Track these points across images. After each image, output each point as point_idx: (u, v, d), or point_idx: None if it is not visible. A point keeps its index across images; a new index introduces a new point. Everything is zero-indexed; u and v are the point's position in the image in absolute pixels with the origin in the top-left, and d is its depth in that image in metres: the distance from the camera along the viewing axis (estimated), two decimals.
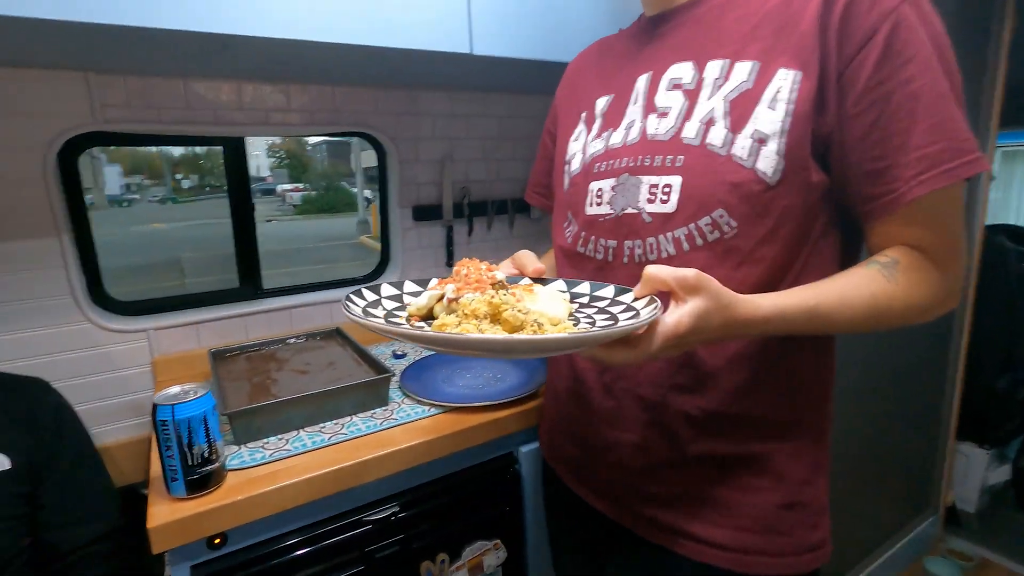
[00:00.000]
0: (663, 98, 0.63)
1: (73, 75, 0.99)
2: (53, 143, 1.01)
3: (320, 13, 0.81)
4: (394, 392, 1.04)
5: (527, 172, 0.90)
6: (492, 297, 0.50)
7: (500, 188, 1.54)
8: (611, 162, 0.66)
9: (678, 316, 0.47)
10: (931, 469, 2.11)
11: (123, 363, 1.15)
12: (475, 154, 1.47)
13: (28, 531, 0.83)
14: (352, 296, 0.56)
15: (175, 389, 0.76)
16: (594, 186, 0.68)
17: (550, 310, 0.53)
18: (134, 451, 1.16)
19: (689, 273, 0.48)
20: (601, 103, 0.72)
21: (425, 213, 1.43)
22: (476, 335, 0.43)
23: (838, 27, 0.52)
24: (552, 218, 0.81)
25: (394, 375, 1.03)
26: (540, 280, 0.65)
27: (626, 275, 0.63)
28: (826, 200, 0.57)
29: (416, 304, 0.56)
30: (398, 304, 0.60)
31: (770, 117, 0.54)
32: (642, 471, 0.65)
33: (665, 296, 0.51)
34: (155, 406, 0.72)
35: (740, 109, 0.56)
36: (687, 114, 0.60)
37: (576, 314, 0.58)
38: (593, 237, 0.67)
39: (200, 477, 0.74)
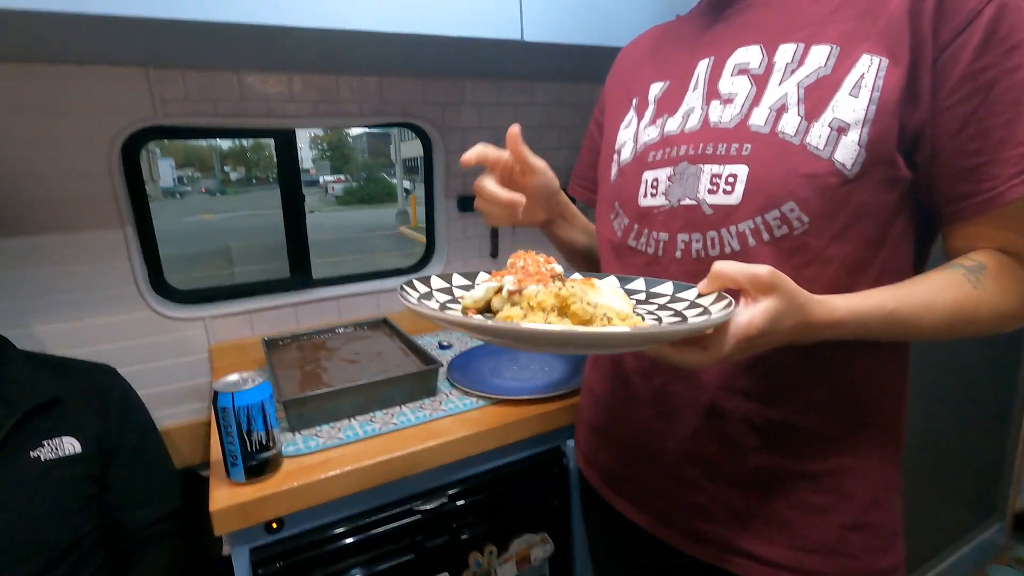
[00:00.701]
0: (727, 84, 0.59)
1: (135, 71, 1.03)
2: (117, 137, 1.04)
3: (371, 3, 0.81)
4: (442, 383, 1.05)
5: (572, 161, 0.86)
6: (559, 289, 0.48)
7: None
8: (668, 150, 0.61)
9: (750, 316, 0.44)
10: (999, 473, 1.99)
11: (182, 350, 1.19)
12: None
13: (98, 511, 0.87)
14: (405, 287, 0.54)
15: (234, 377, 0.78)
16: (648, 176, 0.63)
17: (615, 304, 0.51)
18: (192, 434, 1.21)
19: (762, 270, 0.44)
20: (655, 89, 0.68)
21: (470, 204, 1.42)
22: (560, 328, 0.40)
23: (934, 10, 0.47)
24: (596, 209, 0.76)
25: (442, 366, 1.03)
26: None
27: (679, 271, 0.59)
28: (908, 199, 0.53)
29: (472, 297, 0.54)
30: (449, 297, 0.58)
31: (852, 104, 0.50)
32: (694, 482, 0.61)
33: (733, 294, 0.48)
34: (216, 393, 0.74)
35: (817, 96, 0.52)
36: (755, 100, 0.55)
37: (636, 311, 0.55)
38: (646, 230, 0.63)
39: (258, 463, 0.76)
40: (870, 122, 0.49)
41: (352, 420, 0.92)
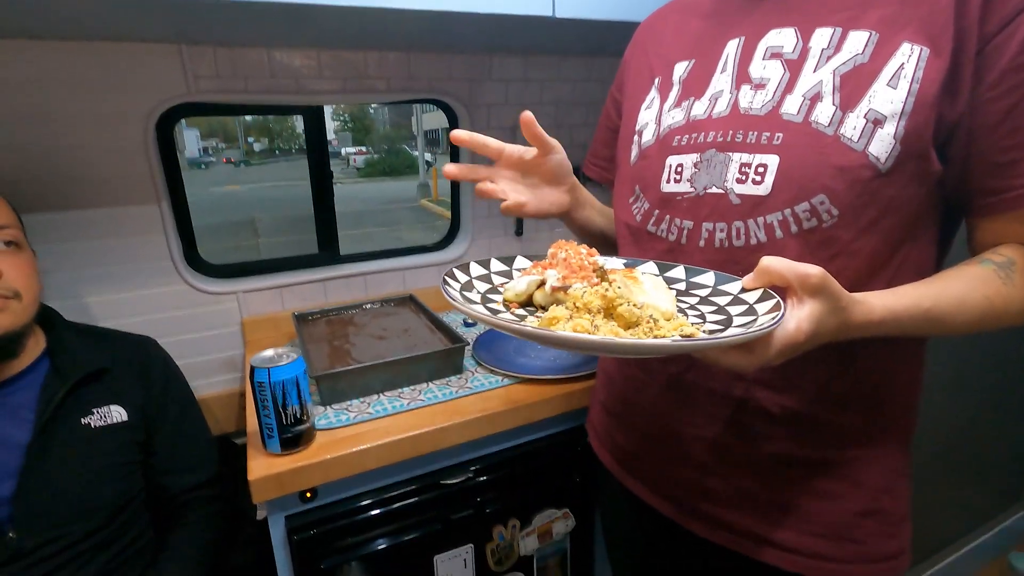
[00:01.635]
0: (759, 68, 0.57)
1: (168, 47, 1.03)
2: (152, 113, 1.06)
3: None
4: (468, 361, 1.06)
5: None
6: (606, 290, 0.48)
7: (572, 155, 1.47)
8: (694, 135, 0.60)
9: (797, 322, 0.44)
10: None
11: (216, 323, 1.23)
12: (547, 120, 1.44)
13: (143, 475, 0.92)
14: (447, 280, 0.54)
15: (269, 352, 0.80)
16: (672, 161, 0.62)
17: (660, 303, 0.50)
18: (227, 403, 1.26)
19: (813, 271, 0.43)
20: (680, 68, 0.65)
21: None
22: (614, 340, 0.40)
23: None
24: (614, 191, 0.75)
25: (468, 344, 1.05)
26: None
27: (701, 259, 0.58)
28: (936, 192, 0.52)
29: (514, 290, 0.54)
30: (489, 286, 0.58)
31: (889, 96, 0.48)
32: (708, 467, 0.62)
33: (778, 291, 0.47)
34: (253, 368, 0.76)
35: (853, 85, 0.50)
36: (788, 87, 0.54)
37: (678, 304, 0.54)
38: (668, 216, 0.62)
39: (293, 435, 0.79)
40: (907, 115, 0.48)
41: (381, 396, 0.94)
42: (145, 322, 1.15)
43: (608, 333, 0.45)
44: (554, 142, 0.68)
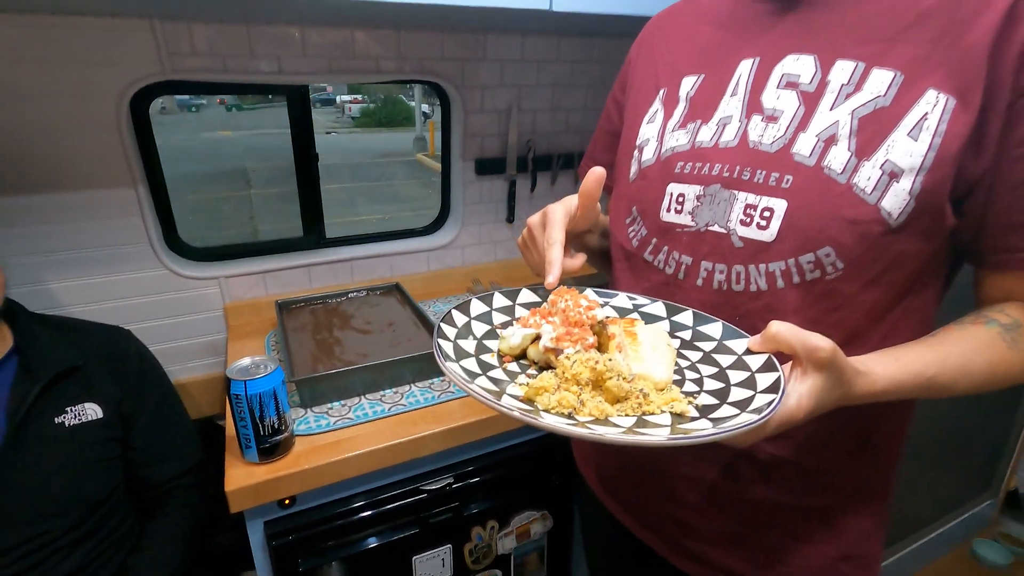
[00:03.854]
0: (772, 97, 0.53)
1: (140, 23, 0.97)
2: (125, 92, 1.00)
3: None
4: None
5: (596, 124, 0.79)
6: (595, 363, 0.46)
7: (567, 140, 1.45)
8: (699, 165, 0.56)
9: (799, 398, 0.42)
10: (1000, 452, 2.01)
11: (197, 307, 1.21)
12: (543, 103, 1.38)
13: (123, 468, 0.92)
14: (443, 325, 0.52)
15: (246, 362, 0.79)
16: (674, 189, 0.58)
17: (655, 371, 0.48)
18: (209, 387, 1.25)
19: (824, 345, 0.42)
20: (687, 83, 0.61)
21: (488, 167, 1.38)
22: (590, 433, 0.39)
23: (1020, 52, 0.42)
24: (611, 204, 0.70)
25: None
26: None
27: (698, 299, 0.56)
28: (947, 245, 0.50)
29: (509, 344, 0.52)
30: (487, 327, 0.56)
31: (909, 148, 0.45)
32: (691, 504, 0.62)
33: (784, 357, 0.45)
34: (228, 380, 0.75)
35: (871, 130, 0.47)
36: (802, 124, 0.50)
37: (678, 360, 0.52)
38: (666, 247, 0.59)
39: (271, 445, 0.79)
40: (926, 170, 0.45)
41: (362, 398, 0.94)
42: (122, 307, 1.13)
43: (594, 408, 0.44)
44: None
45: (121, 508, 0.92)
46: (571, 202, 0.61)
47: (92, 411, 0.88)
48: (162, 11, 0.95)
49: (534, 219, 0.61)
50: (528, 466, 0.99)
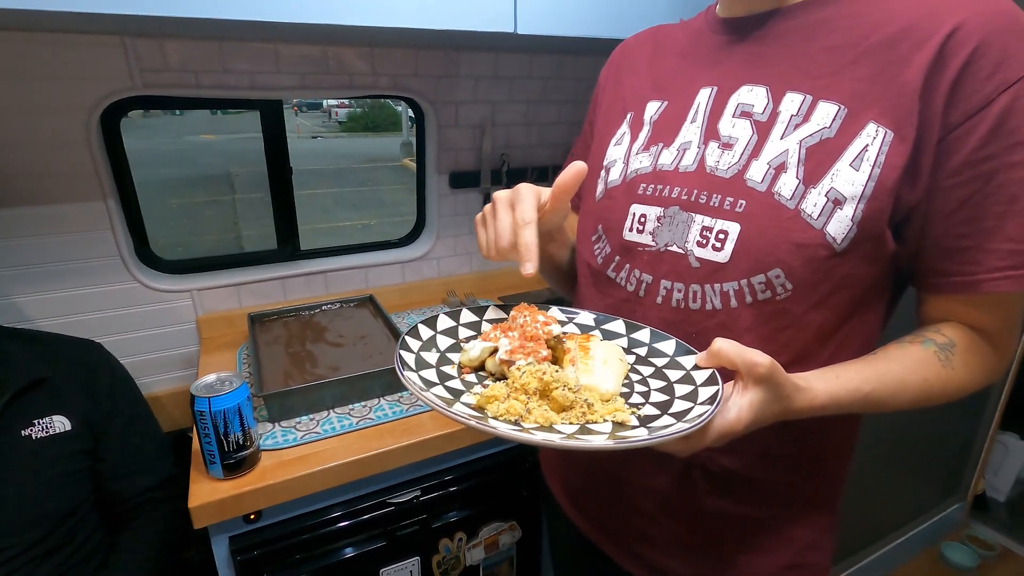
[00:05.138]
0: (728, 125, 0.56)
1: (110, 39, 0.98)
2: (95, 108, 1.01)
3: None
4: None
5: (570, 137, 0.81)
6: (543, 373, 0.48)
7: (541, 154, 1.48)
8: (659, 187, 0.59)
9: (738, 411, 0.45)
10: (967, 456, 2.06)
11: (170, 320, 1.21)
12: (517, 118, 1.40)
13: (92, 481, 0.91)
14: (408, 338, 0.55)
15: (211, 378, 0.80)
16: (636, 209, 0.61)
17: (602, 383, 0.51)
18: (182, 399, 1.24)
19: (761, 361, 0.44)
20: (651, 108, 0.64)
21: (462, 180, 1.40)
22: (527, 437, 0.42)
23: (949, 89, 0.45)
24: (578, 221, 0.72)
25: None
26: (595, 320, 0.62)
27: (657, 316, 0.59)
28: (889, 267, 0.53)
29: (468, 356, 0.55)
30: (452, 341, 0.59)
31: (851, 177, 0.48)
32: (648, 514, 0.65)
33: (728, 373, 0.48)
34: (193, 397, 0.76)
35: (817, 159, 0.50)
36: (755, 151, 0.53)
37: (630, 374, 0.55)
38: (628, 265, 0.62)
39: (235, 461, 0.79)
40: (867, 199, 0.48)
41: (331, 412, 0.95)
42: (94, 320, 1.13)
43: (540, 416, 0.47)
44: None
45: (89, 522, 0.91)
46: (541, 191, 0.56)
47: (60, 423, 0.88)
48: (134, 30, 0.96)
49: (501, 194, 0.56)
50: (496, 478, 1.00)
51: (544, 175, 1.48)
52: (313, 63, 1.15)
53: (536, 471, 1.03)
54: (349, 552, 0.89)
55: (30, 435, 0.85)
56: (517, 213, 0.53)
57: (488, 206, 0.58)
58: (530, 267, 0.51)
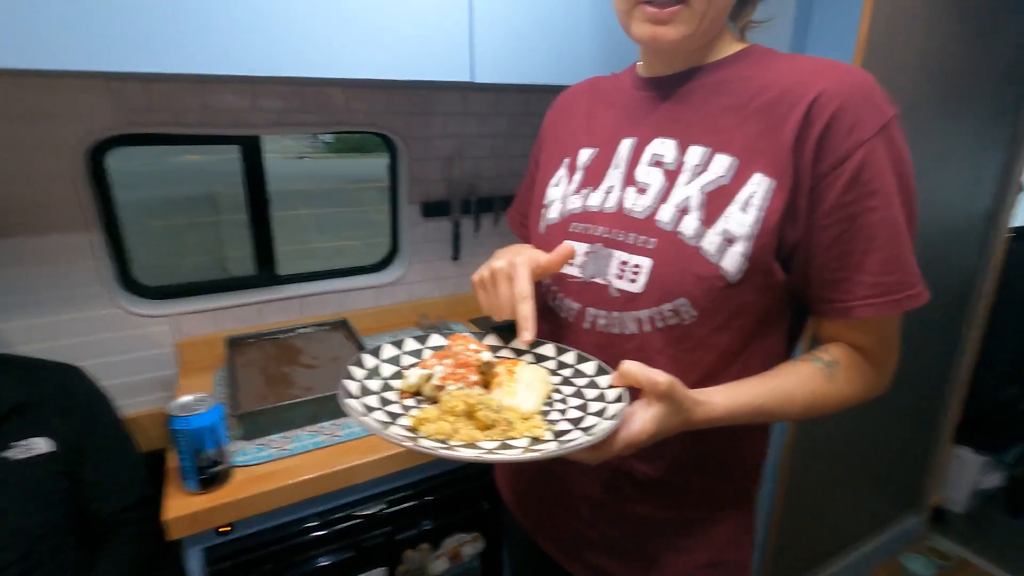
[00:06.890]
0: (643, 172, 0.64)
1: (96, 82, 1.05)
2: (80, 145, 1.07)
3: (328, 51, 0.85)
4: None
5: None
6: (468, 396, 0.55)
7: (510, 183, 1.57)
8: (587, 227, 0.67)
9: (642, 423, 0.52)
10: (924, 469, 2.14)
11: (149, 344, 1.26)
12: (485, 152, 1.49)
13: (70, 502, 0.96)
14: (351, 368, 0.60)
15: (188, 398, 0.85)
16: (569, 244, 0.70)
17: (523, 403, 0.58)
18: (161, 421, 1.29)
19: (661, 380, 0.51)
20: (584, 155, 0.72)
21: (434, 209, 1.48)
22: (443, 451, 0.48)
23: (815, 145, 0.54)
24: None
25: None
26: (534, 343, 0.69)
27: (587, 341, 0.67)
28: (782, 296, 0.61)
29: (406, 382, 0.61)
30: (396, 369, 0.65)
31: (741, 219, 0.56)
32: (583, 518, 0.71)
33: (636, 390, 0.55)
34: (170, 416, 0.82)
35: (714, 203, 0.58)
36: (664, 196, 0.61)
37: (553, 394, 0.62)
38: (561, 295, 0.70)
39: (209, 476, 0.85)
40: (754, 237, 0.56)
41: (302, 430, 1.00)
42: (74, 344, 1.17)
43: (465, 434, 0.53)
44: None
45: (67, 542, 0.95)
46: (534, 257, 0.66)
47: (39, 445, 0.92)
48: (118, 76, 1.03)
49: (500, 267, 0.65)
50: (459, 491, 1.06)
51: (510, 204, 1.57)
52: (289, 102, 1.23)
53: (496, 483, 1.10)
54: (319, 562, 0.94)
55: (8, 457, 0.89)
56: (516, 289, 0.63)
57: (486, 272, 0.66)
58: (528, 335, 0.61)
